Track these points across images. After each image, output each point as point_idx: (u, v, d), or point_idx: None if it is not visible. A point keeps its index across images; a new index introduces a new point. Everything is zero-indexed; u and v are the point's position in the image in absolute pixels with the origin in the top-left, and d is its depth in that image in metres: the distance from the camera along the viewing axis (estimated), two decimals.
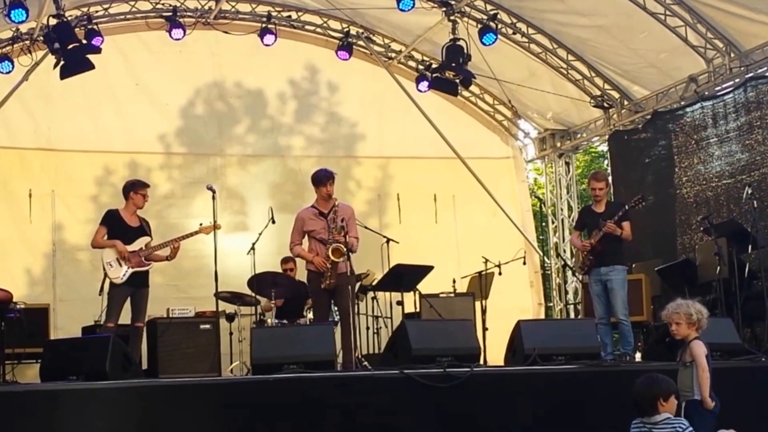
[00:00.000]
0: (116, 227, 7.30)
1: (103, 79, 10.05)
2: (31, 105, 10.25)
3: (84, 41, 8.98)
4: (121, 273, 7.16)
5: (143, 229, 7.42)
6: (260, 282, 8.22)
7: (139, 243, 7.32)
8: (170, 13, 10.23)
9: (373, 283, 9.15)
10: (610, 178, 11.14)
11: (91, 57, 8.64)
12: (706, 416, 5.04)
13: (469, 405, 5.73)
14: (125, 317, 7.37)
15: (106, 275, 7.20)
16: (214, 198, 7.29)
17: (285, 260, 8.95)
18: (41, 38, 9.13)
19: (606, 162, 19.37)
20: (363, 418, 5.55)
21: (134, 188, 7.42)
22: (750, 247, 7.89)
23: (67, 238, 10.44)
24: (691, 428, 4.43)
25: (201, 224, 7.56)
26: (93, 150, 10.61)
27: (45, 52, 9.12)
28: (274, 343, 6.17)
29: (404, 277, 8.56)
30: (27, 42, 9.56)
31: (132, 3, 10.32)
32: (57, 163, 10.50)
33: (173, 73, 10.92)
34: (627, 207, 7.58)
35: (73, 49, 8.47)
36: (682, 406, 4.99)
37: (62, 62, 8.52)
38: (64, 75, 8.62)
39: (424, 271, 8.60)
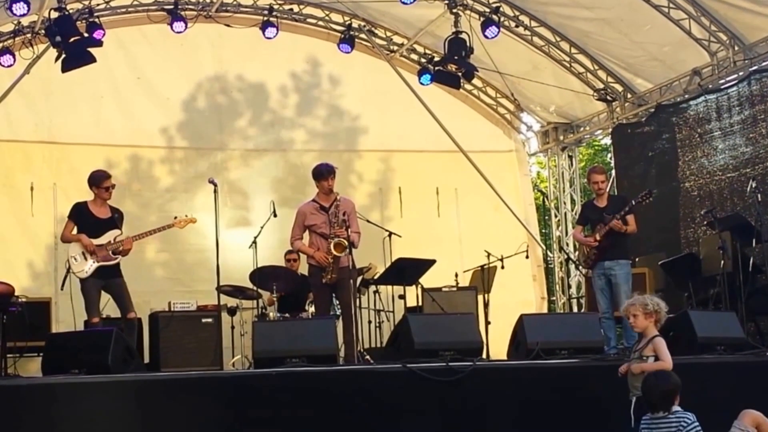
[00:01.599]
0: (84, 220, 7.13)
1: (104, 72, 10.03)
2: (32, 98, 10.23)
3: (85, 34, 8.96)
4: (85, 267, 7.00)
5: (113, 222, 7.21)
6: (262, 275, 8.20)
7: (108, 236, 7.13)
8: (171, 6, 10.19)
9: (375, 277, 9.14)
10: (613, 172, 11.19)
11: (93, 50, 8.62)
12: None
13: (471, 399, 5.71)
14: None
15: (68, 269, 7.06)
16: (216, 192, 7.23)
17: (290, 251, 8.91)
18: (43, 31, 9.11)
19: (609, 155, 19.36)
20: (365, 413, 5.54)
21: (96, 183, 7.20)
22: (754, 240, 7.85)
23: None
24: (697, 422, 4.42)
25: (176, 217, 7.44)
26: (95, 143, 10.58)
27: (46, 45, 9.10)
28: (276, 336, 6.15)
29: (406, 270, 8.54)
30: (28, 35, 9.53)
31: None
32: (59, 157, 10.48)
33: (175, 66, 10.89)
34: (634, 202, 7.55)
35: (74, 42, 8.46)
36: (632, 402, 5.01)
37: (64, 55, 8.51)
38: (65, 68, 8.60)
39: (426, 264, 8.58)
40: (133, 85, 10.74)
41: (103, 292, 7.16)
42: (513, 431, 5.72)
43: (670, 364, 4.99)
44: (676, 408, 4.49)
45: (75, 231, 7.15)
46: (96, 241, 7.06)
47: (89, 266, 7.02)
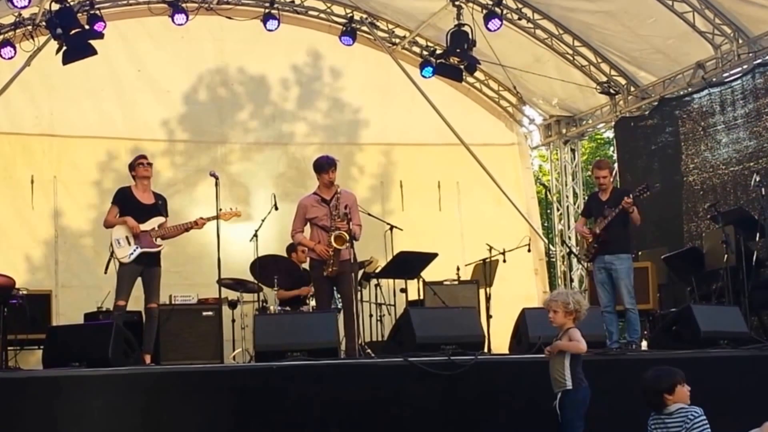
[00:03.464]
0: (128, 205, 7.02)
1: (105, 64, 10.00)
2: (33, 91, 10.20)
3: (86, 26, 8.92)
4: (128, 252, 6.88)
5: (157, 208, 7.12)
6: (262, 266, 8.17)
7: (152, 223, 7.03)
8: None
9: (376, 270, 9.11)
10: (616, 165, 11.14)
11: (94, 42, 8.59)
12: (578, 405, 5.08)
13: (473, 393, 5.69)
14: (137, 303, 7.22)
15: (112, 254, 6.92)
16: (217, 185, 7.19)
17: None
18: (43, 23, 9.07)
19: (612, 149, 19.29)
20: (367, 406, 5.52)
21: (133, 163, 7.16)
22: (758, 235, 7.81)
23: (69, 224, 10.42)
24: (704, 416, 4.39)
25: (221, 209, 7.21)
26: (95, 136, 10.56)
27: (47, 37, 9.07)
28: (277, 330, 6.13)
29: (408, 264, 8.52)
30: (29, 27, 9.48)
31: None
32: (59, 149, 10.46)
33: (176, 59, 10.86)
34: (632, 196, 7.51)
35: (75, 35, 8.43)
36: (558, 396, 5.05)
37: (64, 48, 8.47)
38: (66, 60, 8.57)
39: (428, 258, 8.56)
40: (133, 77, 10.71)
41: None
42: (514, 425, 5.69)
43: (584, 347, 5.11)
44: (679, 405, 4.45)
45: (118, 215, 7.02)
46: (141, 227, 6.93)
47: (132, 251, 6.89)
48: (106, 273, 7.03)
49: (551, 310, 5.20)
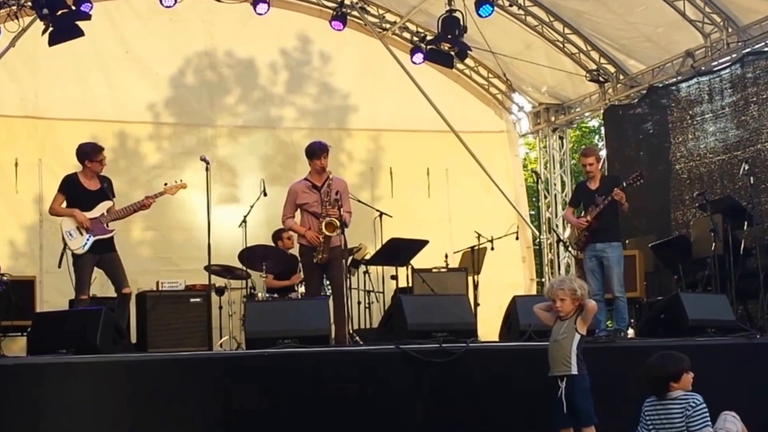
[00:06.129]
0: (75, 193, 6.94)
1: (92, 46, 9.86)
2: (17, 72, 10.05)
3: (73, 7, 8.75)
4: (81, 243, 6.81)
5: (104, 193, 7.04)
6: (251, 255, 8.12)
7: (101, 208, 6.97)
8: None
9: (366, 257, 9.08)
10: (604, 153, 11.15)
11: (81, 24, 8.44)
12: (588, 391, 5.06)
13: (464, 380, 5.70)
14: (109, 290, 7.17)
15: (65, 246, 6.86)
16: (207, 170, 7.10)
17: (282, 230, 8.78)
18: (29, 4, 8.90)
19: (597, 137, 19.37)
20: (358, 393, 5.51)
21: (89, 156, 7.00)
22: (746, 223, 7.85)
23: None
24: (704, 404, 4.41)
25: (165, 184, 7.21)
26: (81, 118, 10.41)
27: (33, 17, 8.90)
28: (267, 317, 6.10)
29: (399, 251, 8.49)
30: (14, 8, 9.30)
31: None
32: (44, 132, 10.31)
33: (164, 41, 10.73)
34: (625, 184, 7.52)
35: (62, 16, 8.27)
36: (563, 385, 5.00)
37: (51, 29, 8.32)
38: (52, 42, 8.42)
39: (418, 245, 8.54)
40: (121, 59, 10.57)
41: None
42: (506, 412, 5.70)
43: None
44: (681, 392, 4.47)
45: (65, 204, 6.96)
46: (88, 215, 6.88)
47: (86, 241, 6.83)
48: (59, 267, 6.96)
49: (558, 299, 5.10)
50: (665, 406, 4.49)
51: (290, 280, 8.63)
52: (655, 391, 4.55)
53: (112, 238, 7.01)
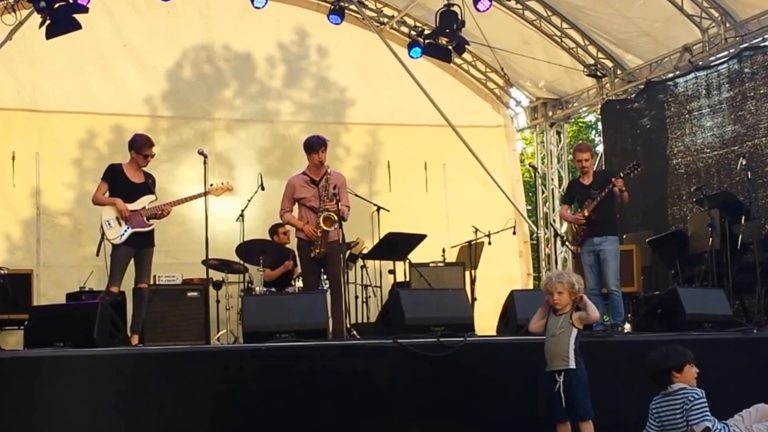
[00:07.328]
0: (118, 183, 6.86)
1: (89, 39, 9.82)
2: (14, 65, 10.02)
3: (70, 0, 8.72)
4: (119, 233, 6.72)
5: (147, 187, 6.98)
6: (249, 249, 8.12)
7: (142, 201, 6.89)
8: None
9: (363, 252, 9.08)
10: (601, 147, 11.17)
11: (78, 17, 8.41)
12: (586, 385, 5.05)
13: (462, 375, 5.69)
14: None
15: (103, 235, 6.76)
16: (205, 163, 7.07)
17: (280, 224, 8.78)
18: None
19: (594, 132, 19.37)
20: (356, 388, 5.50)
21: (138, 148, 6.93)
22: (743, 218, 7.86)
23: (50, 202, 10.27)
24: (704, 399, 4.41)
25: (212, 184, 7.07)
26: (78, 111, 10.40)
27: (30, 10, 8.86)
28: (265, 311, 6.08)
29: (397, 245, 8.50)
30: (11, 0, 9.28)
31: None
32: (41, 125, 10.29)
33: (161, 34, 10.71)
34: (622, 174, 7.51)
35: (59, 9, 8.23)
36: (560, 379, 5.00)
37: (48, 22, 8.29)
38: (50, 35, 8.38)
39: (416, 239, 8.55)
40: (118, 52, 10.56)
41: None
42: (503, 407, 5.70)
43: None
44: (682, 385, 4.48)
45: (107, 194, 6.87)
46: (130, 206, 6.80)
47: (123, 232, 6.73)
48: (98, 255, 6.84)
49: (556, 292, 5.08)
50: (668, 401, 4.50)
51: (284, 266, 8.63)
52: (659, 385, 4.55)
53: (152, 232, 6.91)
